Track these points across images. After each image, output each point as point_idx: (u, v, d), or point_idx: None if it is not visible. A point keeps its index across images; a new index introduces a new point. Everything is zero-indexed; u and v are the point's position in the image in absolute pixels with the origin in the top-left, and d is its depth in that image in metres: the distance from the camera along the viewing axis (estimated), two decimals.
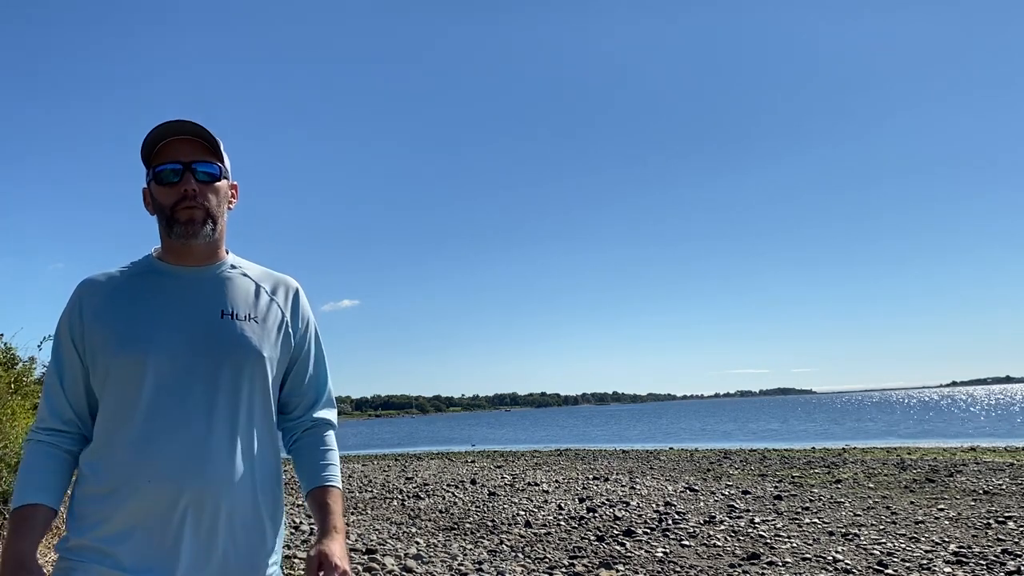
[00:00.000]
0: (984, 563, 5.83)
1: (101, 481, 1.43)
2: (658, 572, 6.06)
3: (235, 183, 1.63)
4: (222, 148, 1.56)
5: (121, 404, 1.45)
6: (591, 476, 14.19)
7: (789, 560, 6.24)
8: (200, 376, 1.46)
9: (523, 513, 9.52)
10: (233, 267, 1.60)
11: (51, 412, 1.51)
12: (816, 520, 8.17)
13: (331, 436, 1.68)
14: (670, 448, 23.45)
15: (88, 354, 1.49)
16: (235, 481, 1.45)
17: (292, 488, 10.41)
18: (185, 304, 1.51)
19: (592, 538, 7.61)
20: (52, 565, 1.46)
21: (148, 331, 1.47)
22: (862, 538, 7.04)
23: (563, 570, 6.22)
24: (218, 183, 1.54)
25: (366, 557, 6.76)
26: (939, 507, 8.74)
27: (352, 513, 10.20)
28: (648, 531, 7.87)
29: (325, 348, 1.72)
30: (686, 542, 7.19)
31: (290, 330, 1.61)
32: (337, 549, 1.47)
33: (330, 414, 1.70)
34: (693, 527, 8.00)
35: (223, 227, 1.58)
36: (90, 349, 1.49)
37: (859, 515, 8.42)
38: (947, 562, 5.95)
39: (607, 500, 10.47)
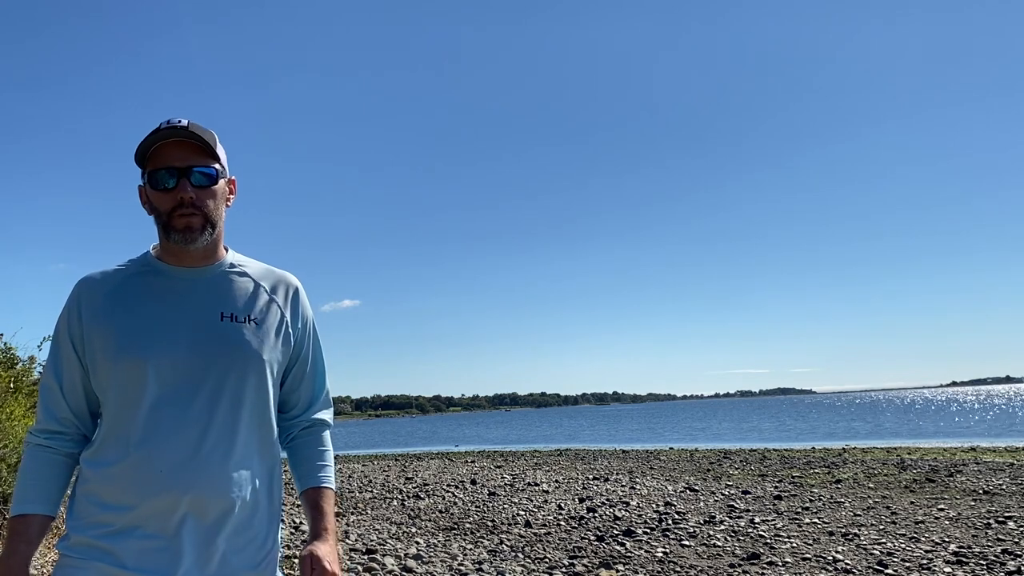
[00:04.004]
0: (984, 563, 5.82)
1: (102, 483, 1.44)
2: (658, 572, 6.06)
3: (233, 178, 1.58)
4: (217, 146, 1.52)
5: (122, 408, 1.45)
6: (591, 476, 14.19)
7: (789, 560, 6.24)
8: (200, 380, 1.46)
9: (523, 513, 9.52)
10: (232, 266, 1.58)
11: (48, 413, 1.51)
12: (816, 520, 8.17)
13: (327, 436, 1.70)
14: (670, 448, 23.44)
15: (88, 355, 1.49)
16: (235, 484, 1.46)
17: (292, 488, 10.38)
18: (184, 306, 1.50)
19: (592, 538, 7.61)
20: (52, 565, 1.47)
21: (148, 334, 1.46)
22: (862, 538, 7.04)
23: (563, 570, 6.22)
24: (215, 185, 1.50)
25: (366, 557, 6.76)
26: (939, 507, 8.73)
27: (352, 513, 10.20)
28: (648, 531, 7.87)
29: (323, 347, 1.71)
30: (686, 542, 7.19)
31: (290, 330, 1.60)
32: (328, 551, 1.50)
33: (327, 414, 1.70)
34: (693, 527, 8.00)
35: (222, 227, 1.55)
36: (89, 351, 1.48)
37: (859, 515, 8.42)
38: (947, 562, 5.94)
39: (607, 500, 10.47)
